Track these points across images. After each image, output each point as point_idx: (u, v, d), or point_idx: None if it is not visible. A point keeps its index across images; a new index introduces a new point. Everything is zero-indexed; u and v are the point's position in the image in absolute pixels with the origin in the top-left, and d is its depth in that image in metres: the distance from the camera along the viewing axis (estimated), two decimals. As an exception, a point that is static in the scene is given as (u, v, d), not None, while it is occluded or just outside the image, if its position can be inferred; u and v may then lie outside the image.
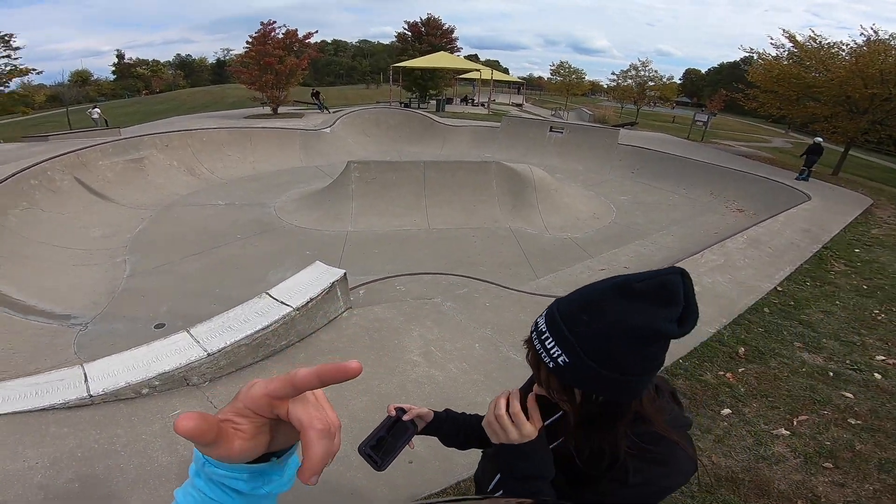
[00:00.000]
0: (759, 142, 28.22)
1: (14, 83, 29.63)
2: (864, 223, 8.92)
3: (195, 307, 6.02)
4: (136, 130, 13.10)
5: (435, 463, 2.93)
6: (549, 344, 0.88)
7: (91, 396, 3.19)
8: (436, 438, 1.47)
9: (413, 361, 3.78)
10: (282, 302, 4.06)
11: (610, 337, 0.82)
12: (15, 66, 25.92)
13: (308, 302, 4.03)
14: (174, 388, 3.39)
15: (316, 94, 22.14)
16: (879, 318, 5.11)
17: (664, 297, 0.79)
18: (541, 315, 0.95)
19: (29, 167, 8.13)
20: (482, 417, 1.45)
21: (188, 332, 3.78)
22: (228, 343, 3.57)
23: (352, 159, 9.34)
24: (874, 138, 13.12)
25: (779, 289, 5.72)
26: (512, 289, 5.11)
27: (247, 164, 12.67)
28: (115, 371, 3.38)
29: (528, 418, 1.00)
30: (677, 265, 0.88)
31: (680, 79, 69.69)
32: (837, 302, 5.45)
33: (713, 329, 4.66)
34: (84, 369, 3.41)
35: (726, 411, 3.40)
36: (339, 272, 4.37)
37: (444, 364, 3.79)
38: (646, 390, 0.91)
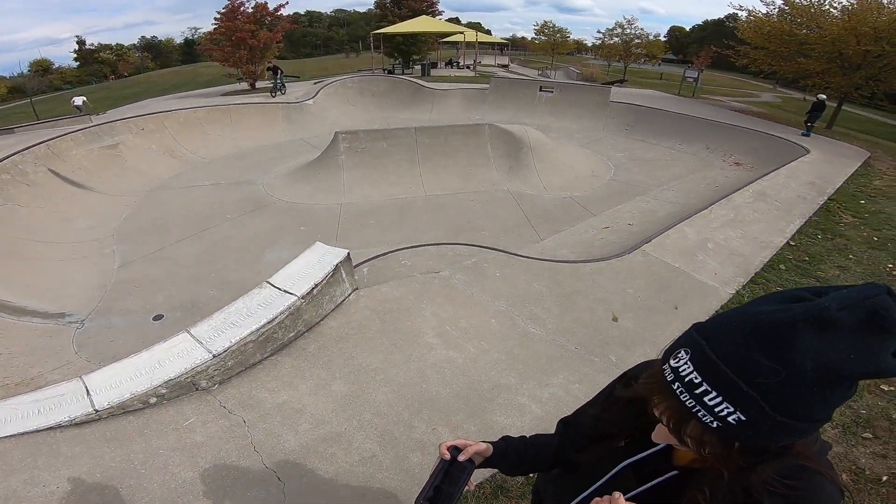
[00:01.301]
0: (749, 97, 28.11)
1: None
2: (865, 175, 8.85)
3: (192, 294, 5.90)
4: (108, 116, 12.50)
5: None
6: (711, 400, 0.71)
7: (97, 411, 3.00)
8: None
9: (429, 344, 3.61)
10: (285, 291, 3.81)
11: (813, 385, 0.66)
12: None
13: (313, 288, 3.79)
14: (183, 395, 3.20)
15: (274, 70, 17.26)
16: (894, 272, 5.05)
17: (878, 326, 0.63)
18: (675, 351, 0.77)
19: (-1, 161, 7.72)
20: (541, 440, 1.35)
21: (189, 332, 3.54)
22: (234, 341, 3.36)
23: (339, 130, 9.04)
24: (867, 93, 13.01)
25: (791, 243, 5.62)
26: (521, 255, 4.93)
27: (229, 141, 12.29)
28: (118, 381, 3.19)
29: None
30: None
31: (665, 36, 69.78)
32: (851, 256, 5.38)
33: (732, 290, 4.56)
34: (84, 382, 3.21)
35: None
36: (343, 252, 4.14)
37: (462, 344, 3.63)
38: None
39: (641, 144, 12.11)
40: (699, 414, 0.72)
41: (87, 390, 3.14)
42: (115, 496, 2.56)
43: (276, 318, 3.55)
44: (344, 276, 4.10)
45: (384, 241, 6.35)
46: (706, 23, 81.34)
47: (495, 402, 3.13)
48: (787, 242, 5.61)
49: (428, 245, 5.09)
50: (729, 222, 5.99)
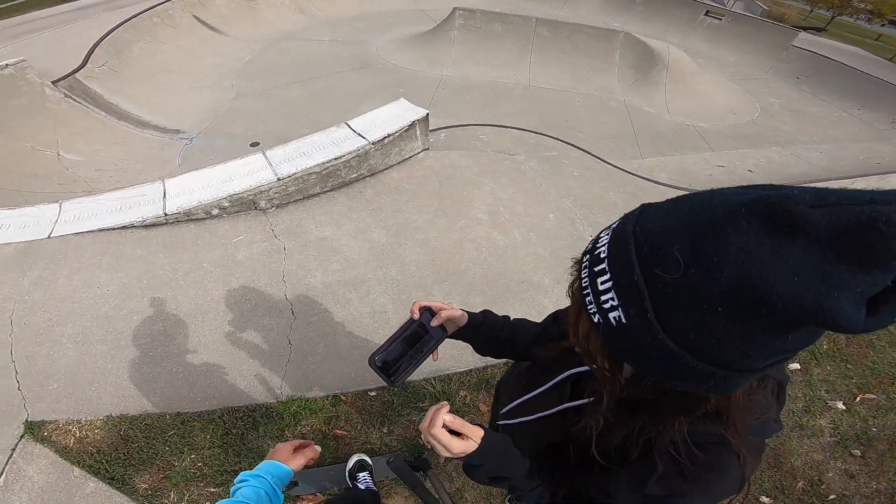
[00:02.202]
0: None
1: None
2: None
3: (288, 129, 6.25)
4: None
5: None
6: (602, 283, 0.57)
7: (166, 215, 3.30)
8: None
9: (477, 219, 3.49)
10: (359, 133, 3.87)
11: (720, 304, 0.47)
12: None
13: (385, 137, 3.81)
14: (242, 211, 3.43)
15: None
16: None
17: (864, 250, 0.40)
18: (607, 228, 0.62)
19: (151, 7, 8.48)
20: (525, 325, 1.22)
21: (264, 154, 3.75)
22: (299, 169, 3.50)
23: (458, 6, 8.60)
24: None
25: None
26: (608, 162, 4.50)
27: (354, 4, 12.26)
28: (191, 188, 3.46)
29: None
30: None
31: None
32: None
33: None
34: (164, 185, 3.53)
35: (794, 366, 2.89)
36: (422, 111, 4.04)
37: (510, 229, 3.47)
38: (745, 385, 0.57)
39: (807, 97, 10.15)
40: (586, 299, 0.59)
41: (165, 193, 3.45)
42: (148, 305, 2.81)
43: (343, 156, 3.64)
44: (418, 133, 4.03)
45: (472, 118, 6.13)
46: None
47: (519, 297, 3.02)
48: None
49: (511, 127, 4.80)
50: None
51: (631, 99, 7.90)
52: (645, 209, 0.57)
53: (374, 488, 2.21)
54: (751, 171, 6.25)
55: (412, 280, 3.05)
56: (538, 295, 3.05)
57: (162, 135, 6.28)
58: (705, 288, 0.47)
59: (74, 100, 5.94)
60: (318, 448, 1.17)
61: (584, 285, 0.60)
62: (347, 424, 2.45)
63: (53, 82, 5.85)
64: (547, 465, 0.96)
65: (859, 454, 2.57)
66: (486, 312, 1.22)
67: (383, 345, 1.06)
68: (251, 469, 1.06)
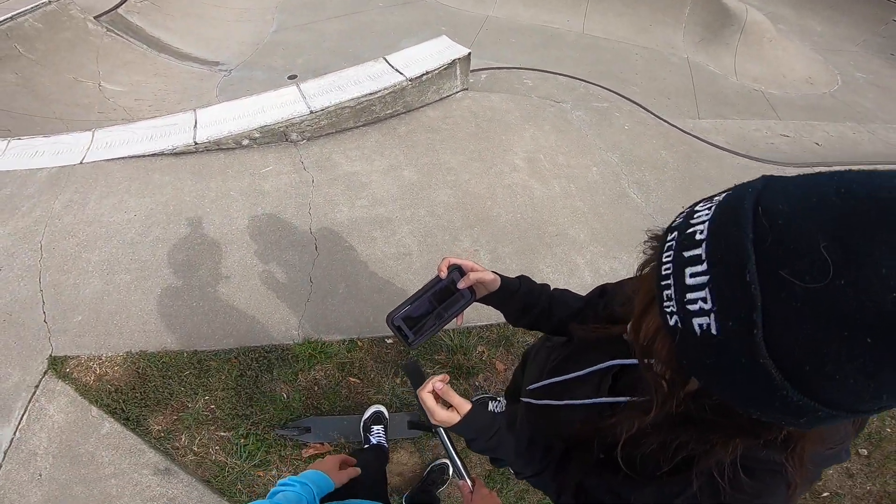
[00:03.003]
0: None
1: None
2: None
3: (327, 62, 6.15)
4: None
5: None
6: (692, 276, 0.42)
7: (196, 144, 3.26)
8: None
9: (514, 165, 3.27)
10: (396, 69, 3.68)
11: (874, 333, 0.33)
12: None
13: (423, 74, 3.61)
14: (272, 143, 3.35)
15: None
16: None
17: None
18: (707, 199, 0.48)
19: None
20: (565, 298, 1.07)
21: (297, 86, 3.64)
22: (332, 103, 3.38)
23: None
24: None
25: None
26: (664, 119, 4.15)
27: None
28: (222, 119, 3.41)
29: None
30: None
31: None
32: None
33: None
34: (196, 115, 3.49)
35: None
36: (464, 50, 3.79)
37: (548, 179, 3.25)
38: None
39: None
40: (664, 292, 0.45)
41: (196, 122, 3.42)
42: (174, 233, 2.78)
43: (378, 91, 3.48)
44: (458, 73, 3.80)
45: (517, 62, 5.77)
46: None
47: (551, 251, 2.84)
48: None
49: (560, 74, 4.47)
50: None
51: (695, 57, 7.36)
52: (770, 182, 0.42)
53: (385, 444, 2.18)
54: (818, 143, 5.75)
55: (440, 222, 2.90)
56: (571, 251, 2.87)
57: (201, 66, 6.27)
58: (855, 307, 0.33)
59: (116, 34, 5.98)
60: (359, 470, 1.20)
61: (664, 273, 0.46)
62: (361, 372, 2.41)
63: (96, 17, 5.88)
64: (560, 455, 0.90)
65: (865, 454, 2.45)
66: (522, 279, 1.06)
67: (404, 302, 0.95)
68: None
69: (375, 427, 2.19)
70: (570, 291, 1.09)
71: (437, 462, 2.31)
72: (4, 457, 2.08)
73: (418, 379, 1.01)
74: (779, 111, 6.49)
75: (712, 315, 0.40)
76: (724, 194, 0.45)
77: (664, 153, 3.71)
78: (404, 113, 3.65)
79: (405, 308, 0.95)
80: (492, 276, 1.00)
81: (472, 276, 0.97)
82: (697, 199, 0.50)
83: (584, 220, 3.04)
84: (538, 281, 1.10)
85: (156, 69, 5.92)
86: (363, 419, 2.24)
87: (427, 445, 2.36)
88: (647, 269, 0.53)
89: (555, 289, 1.09)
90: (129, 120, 4.50)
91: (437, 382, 0.90)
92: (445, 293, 0.98)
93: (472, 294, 1.01)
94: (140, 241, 2.73)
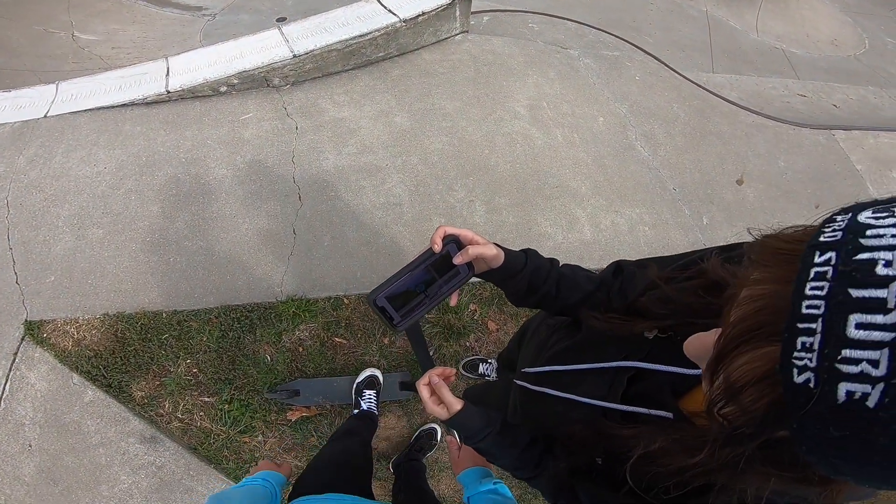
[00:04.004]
0: None
1: None
2: None
3: (318, 3, 5.66)
4: None
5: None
6: (858, 329, 0.30)
7: (168, 92, 3.01)
8: None
9: (515, 112, 3.05)
10: (389, 10, 3.41)
11: None
12: None
13: (419, 15, 3.34)
14: (252, 89, 3.11)
15: None
16: None
17: None
18: (878, 208, 0.35)
19: None
20: (575, 278, 0.93)
21: (279, 28, 3.38)
22: (318, 46, 3.13)
23: None
24: None
25: None
26: (677, 72, 3.89)
27: None
28: (197, 66, 3.15)
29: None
30: None
31: None
32: None
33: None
34: (167, 63, 3.22)
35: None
36: (466, -11, 3.50)
37: (550, 127, 3.03)
38: None
39: None
40: (800, 338, 0.33)
41: (168, 70, 3.16)
42: (147, 183, 2.60)
43: (369, 33, 3.20)
44: (458, 14, 3.52)
45: (522, 4, 5.46)
46: None
47: (550, 203, 2.67)
48: None
49: (569, 19, 4.17)
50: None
51: (715, 11, 7.00)
52: None
53: (376, 410, 2.09)
54: (836, 105, 5.54)
55: (433, 171, 2.71)
56: (571, 202, 2.71)
57: (183, 12, 5.90)
58: None
59: None
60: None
61: (804, 312, 0.33)
62: (347, 332, 2.30)
63: None
64: (554, 457, 0.84)
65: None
66: (528, 253, 0.91)
67: (390, 279, 0.80)
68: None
69: (368, 392, 2.11)
70: (582, 269, 0.95)
71: (426, 427, 2.23)
72: (-7, 429, 2.07)
73: (419, 340, 0.99)
74: (798, 71, 6.21)
75: (881, 385, 0.29)
76: (883, 205, 0.35)
77: (675, 106, 3.49)
78: (398, 56, 3.39)
79: (391, 285, 0.80)
80: (494, 250, 0.85)
81: (472, 250, 0.83)
82: (835, 207, 0.39)
83: (587, 172, 2.86)
84: (535, 237, 0.98)
85: (133, 16, 5.58)
86: (356, 382, 2.15)
87: (416, 409, 2.30)
88: (751, 288, 0.40)
89: (564, 265, 0.95)
90: (109, 69, 4.30)
91: (434, 377, 0.90)
92: (439, 268, 0.85)
93: (469, 269, 0.89)
94: (111, 194, 2.56)
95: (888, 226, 0.32)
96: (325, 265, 2.41)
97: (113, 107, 3.00)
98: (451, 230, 0.83)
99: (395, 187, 2.64)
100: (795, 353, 0.33)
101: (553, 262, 0.93)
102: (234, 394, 2.14)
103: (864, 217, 0.34)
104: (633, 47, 4.05)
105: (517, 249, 0.90)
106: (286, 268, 2.39)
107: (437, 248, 0.82)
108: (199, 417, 2.13)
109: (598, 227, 2.66)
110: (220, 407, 2.12)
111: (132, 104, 2.99)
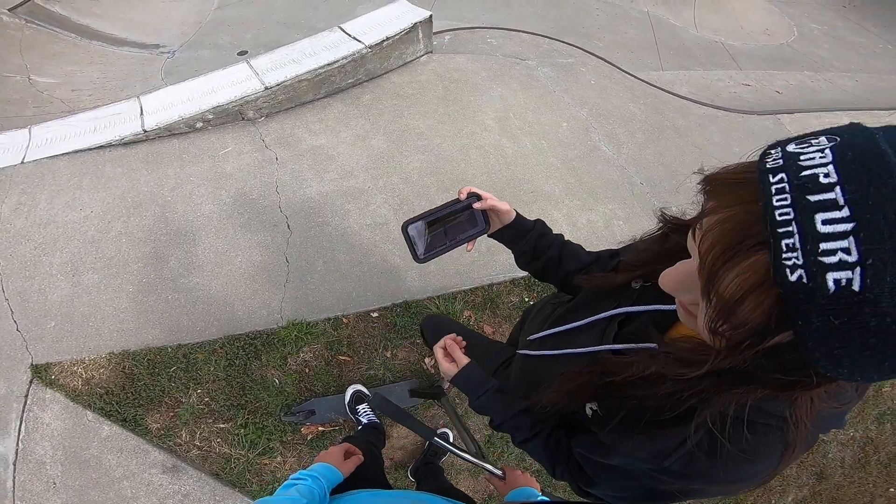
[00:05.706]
0: None
1: None
2: None
3: (279, 35, 5.76)
4: None
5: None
6: (827, 223, 0.37)
7: (146, 131, 3.05)
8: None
9: (485, 125, 3.21)
10: (353, 37, 3.52)
11: None
12: None
13: (383, 40, 3.46)
14: (228, 123, 3.17)
15: None
16: None
17: None
18: (807, 137, 0.44)
19: None
20: (575, 249, 1.12)
21: (248, 62, 3.46)
22: (288, 77, 3.21)
23: None
24: None
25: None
26: (628, 73, 4.13)
27: None
28: (170, 103, 3.20)
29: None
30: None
31: None
32: None
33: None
34: (140, 102, 3.26)
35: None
36: (425, 13, 3.66)
37: (519, 136, 3.20)
38: None
39: (852, 26, 9.40)
40: (783, 240, 0.38)
41: (142, 110, 3.19)
42: (136, 224, 2.64)
43: (337, 61, 3.32)
44: (420, 36, 3.67)
45: (479, 21, 5.66)
46: None
47: (528, 208, 2.82)
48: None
49: (523, 31, 4.37)
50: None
51: (656, 10, 7.36)
52: (887, 128, 0.40)
53: (377, 420, 2.16)
54: (779, 92, 5.89)
55: (414, 189, 2.83)
56: (547, 205, 2.87)
57: (141, 51, 5.83)
58: None
59: (38, 24, 5.49)
60: (362, 458, 1.22)
61: (779, 218, 0.39)
62: (350, 349, 2.37)
63: (10, 9, 5.37)
64: (550, 428, 0.94)
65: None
66: (537, 221, 1.09)
67: (422, 214, 0.96)
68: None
69: (360, 406, 2.18)
70: (581, 246, 1.12)
71: (439, 431, 2.30)
72: (15, 469, 2.07)
73: (389, 407, 1.18)
74: (739, 62, 6.58)
75: (859, 269, 0.35)
76: (831, 132, 0.42)
77: (631, 105, 3.71)
78: (367, 81, 3.51)
79: (422, 219, 0.97)
80: (507, 206, 1.04)
81: (490, 202, 1.01)
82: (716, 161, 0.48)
83: (559, 176, 3.03)
84: None
85: (90, 57, 5.49)
86: (346, 402, 2.22)
87: (427, 415, 2.37)
88: (711, 216, 0.45)
89: (567, 240, 1.12)
90: (71, 111, 4.19)
91: (448, 340, 1.09)
92: (461, 216, 1.01)
93: (486, 224, 1.05)
94: (102, 238, 2.58)
95: (813, 152, 0.40)
96: (321, 288, 2.48)
97: (91, 149, 3.01)
98: (474, 189, 1.02)
99: (379, 207, 2.74)
100: (784, 255, 0.38)
101: (559, 234, 1.12)
102: (248, 418, 2.19)
103: (791, 148, 0.42)
104: (586, 53, 4.28)
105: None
106: (283, 294, 2.45)
107: (463, 197, 1.00)
108: (217, 444, 2.16)
109: (575, 225, 2.81)
110: (235, 432, 2.17)
111: (109, 145, 3.02)
